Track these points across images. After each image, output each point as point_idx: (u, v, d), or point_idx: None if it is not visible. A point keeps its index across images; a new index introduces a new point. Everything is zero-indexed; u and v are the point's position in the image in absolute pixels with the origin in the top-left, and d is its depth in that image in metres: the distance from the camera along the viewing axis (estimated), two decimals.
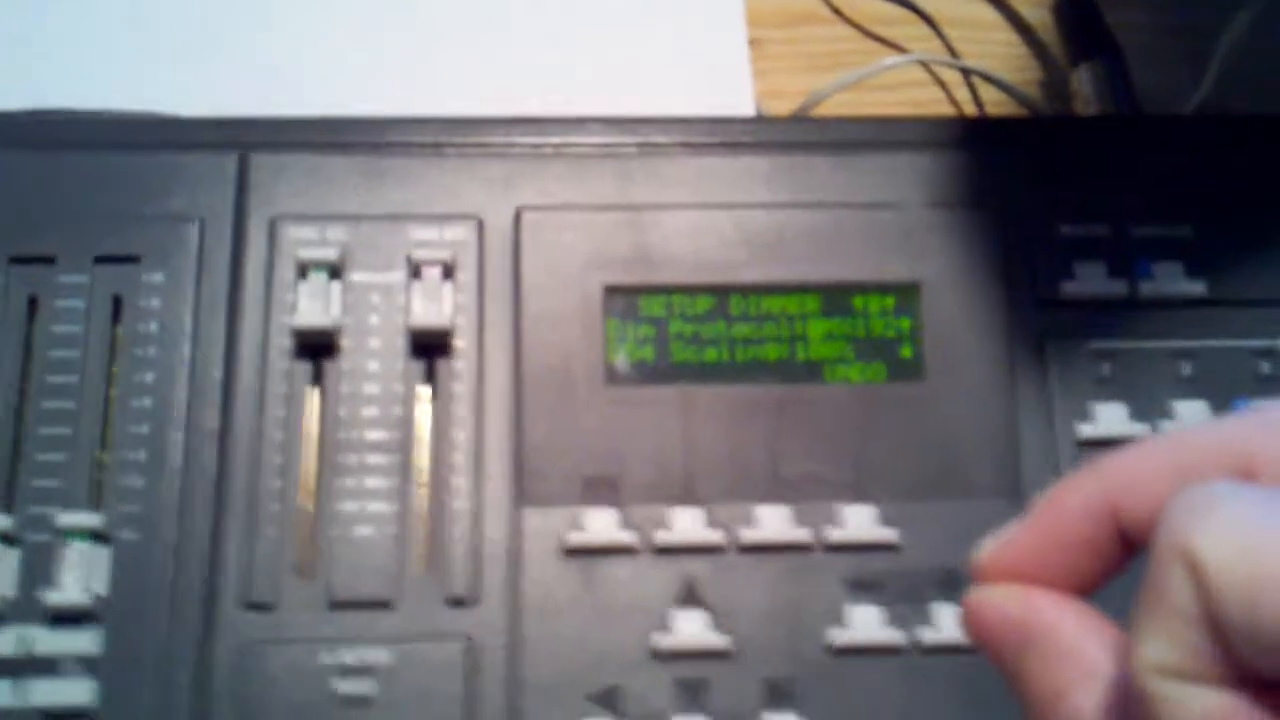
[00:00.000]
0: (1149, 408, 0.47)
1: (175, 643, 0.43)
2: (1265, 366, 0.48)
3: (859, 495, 0.46)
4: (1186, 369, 0.48)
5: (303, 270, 0.47)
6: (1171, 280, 0.49)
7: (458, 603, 0.44)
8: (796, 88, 0.61)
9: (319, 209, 0.49)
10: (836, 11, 0.65)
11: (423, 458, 0.46)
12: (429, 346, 0.47)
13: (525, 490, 0.45)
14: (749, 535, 0.45)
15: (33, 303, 0.47)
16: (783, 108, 0.61)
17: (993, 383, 0.47)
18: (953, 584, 0.45)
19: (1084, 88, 0.60)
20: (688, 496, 0.46)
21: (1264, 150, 0.51)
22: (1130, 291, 0.49)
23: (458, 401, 0.46)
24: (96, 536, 0.43)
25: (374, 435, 0.46)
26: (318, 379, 0.47)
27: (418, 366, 0.47)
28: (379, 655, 0.43)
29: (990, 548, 0.29)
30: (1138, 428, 0.47)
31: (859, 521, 0.46)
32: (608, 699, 0.43)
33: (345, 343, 0.47)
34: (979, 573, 0.29)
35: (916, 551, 0.45)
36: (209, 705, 0.42)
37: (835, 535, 0.45)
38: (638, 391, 0.47)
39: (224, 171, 0.49)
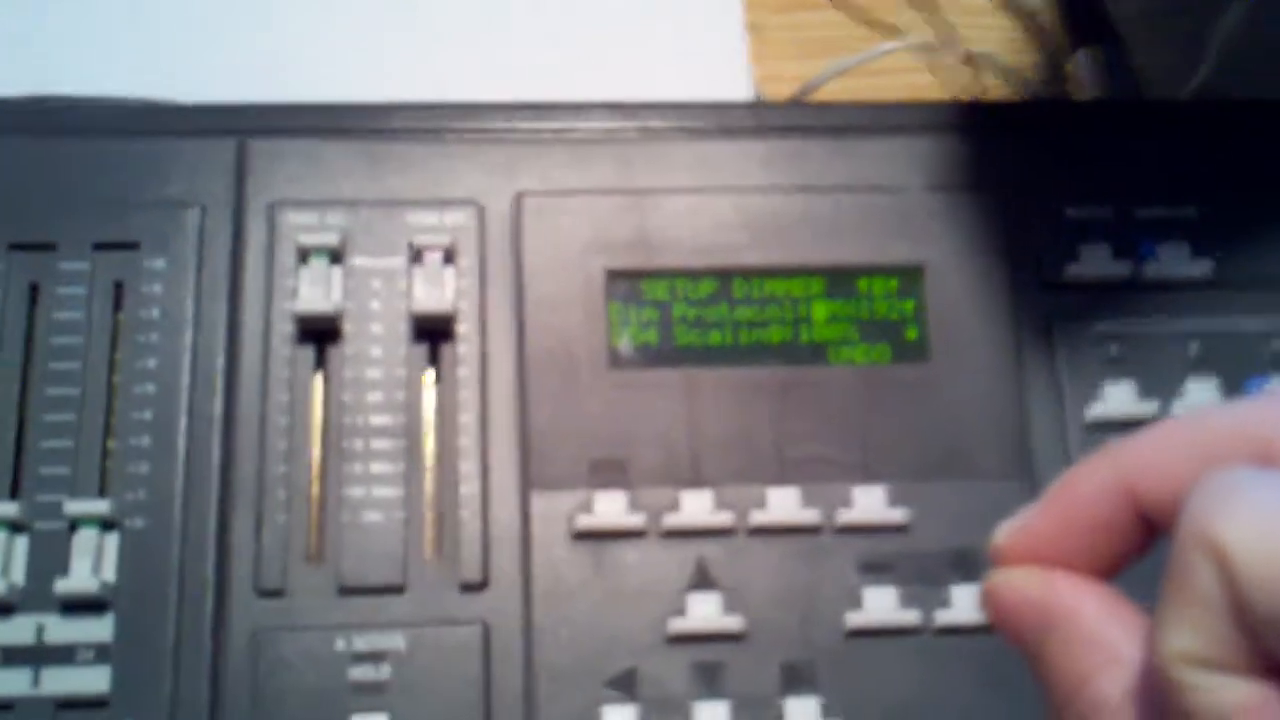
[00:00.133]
0: (1159, 387, 0.47)
1: (187, 629, 0.43)
2: (1277, 345, 0.48)
3: (866, 477, 0.46)
4: (1195, 349, 0.48)
5: (303, 256, 0.47)
6: (1176, 261, 0.49)
7: (469, 587, 0.44)
8: (795, 73, 0.61)
9: (319, 194, 0.48)
10: None
11: (429, 442, 0.46)
12: (432, 331, 0.47)
13: (532, 474, 0.45)
14: (759, 517, 0.45)
15: (34, 289, 0.46)
16: (781, 93, 0.61)
17: (998, 365, 0.47)
18: (964, 565, 0.45)
19: (1082, 73, 0.60)
20: (695, 479, 0.46)
21: (1263, 134, 0.52)
22: (1135, 273, 0.49)
23: (462, 386, 0.46)
24: (105, 523, 0.43)
25: (379, 420, 0.46)
26: (321, 364, 0.46)
27: (421, 351, 0.47)
28: (393, 641, 0.43)
29: (1009, 530, 0.29)
30: (1148, 406, 0.47)
31: (868, 503, 0.46)
32: (625, 683, 0.43)
33: (347, 328, 0.47)
34: (998, 556, 0.29)
35: (927, 532, 0.45)
36: (222, 692, 0.42)
37: (845, 517, 0.45)
38: (642, 375, 0.47)
39: (223, 157, 0.49)
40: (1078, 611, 0.27)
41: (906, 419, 0.47)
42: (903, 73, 0.63)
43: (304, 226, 0.48)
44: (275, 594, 0.43)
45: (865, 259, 0.48)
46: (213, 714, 0.42)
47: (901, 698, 0.44)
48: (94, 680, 0.42)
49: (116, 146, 0.48)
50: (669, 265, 0.48)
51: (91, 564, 0.43)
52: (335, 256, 0.47)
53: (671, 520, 0.45)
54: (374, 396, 0.46)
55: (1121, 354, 0.48)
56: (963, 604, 0.44)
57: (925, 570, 0.45)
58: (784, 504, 0.45)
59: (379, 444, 0.45)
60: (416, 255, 0.47)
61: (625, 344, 0.47)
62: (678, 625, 0.44)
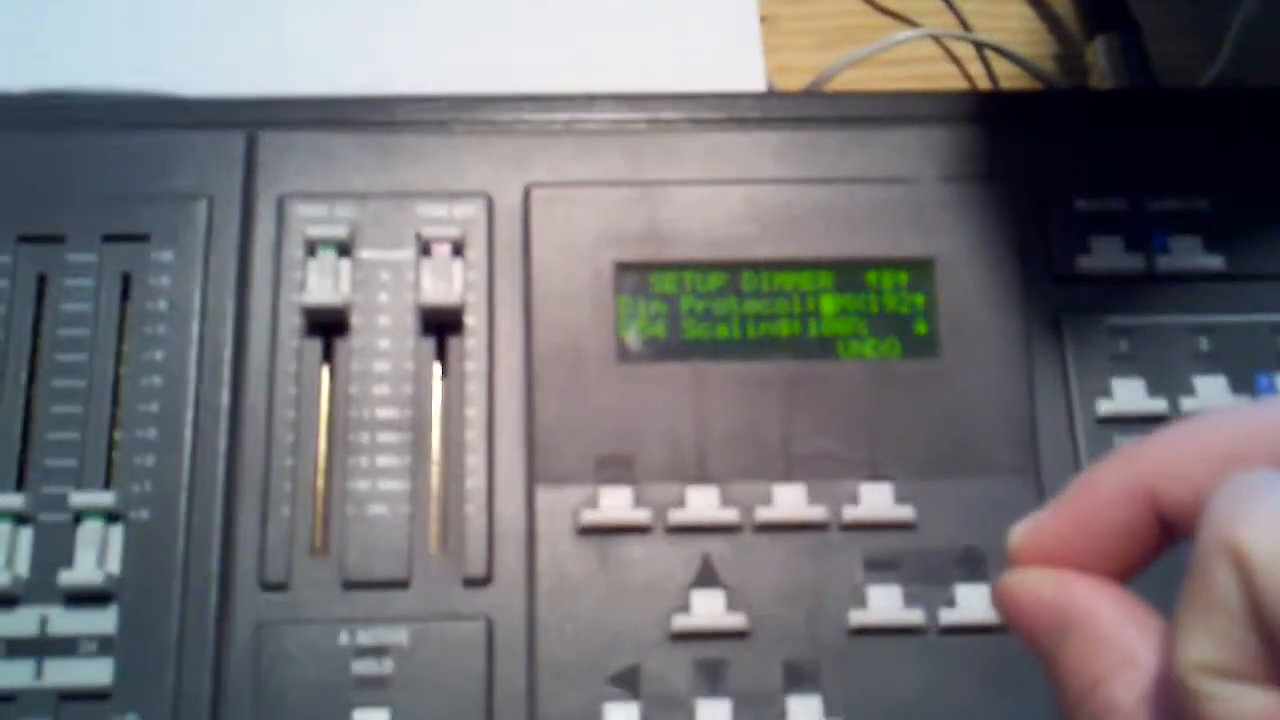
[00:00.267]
0: (1168, 383, 0.47)
1: (191, 622, 0.43)
2: None
3: (873, 473, 0.46)
4: (1205, 344, 0.48)
5: (311, 248, 0.47)
6: (1189, 254, 0.48)
7: (473, 582, 0.44)
8: (808, 63, 0.61)
9: (328, 187, 0.48)
10: None
11: (435, 436, 0.46)
12: (440, 324, 0.47)
13: (539, 469, 0.45)
14: (765, 514, 0.45)
15: (42, 282, 0.46)
16: (794, 83, 0.61)
17: (1008, 359, 0.47)
18: (971, 563, 0.45)
19: (1100, 61, 0.59)
20: (701, 475, 0.45)
21: (1278, 124, 0.51)
22: (1147, 266, 0.48)
23: (469, 379, 0.46)
24: (110, 516, 0.43)
25: (386, 413, 0.46)
26: (328, 357, 0.46)
27: (428, 344, 0.47)
28: (396, 635, 0.43)
29: (1025, 530, 0.28)
30: (1157, 403, 0.46)
31: (875, 500, 0.45)
32: (627, 680, 0.43)
33: (355, 320, 0.47)
34: (1013, 556, 0.28)
35: (934, 530, 0.45)
36: (225, 685, 0.42)
37: (851, 514, 0.45)
38: (650, 369, 0.47)
39: (232, 150, 0.49)
40: (1093, 613, 0.27)
41: (915, 415, 0.46)
42: (917, 62, 0.63)
43: (313, 219, 0.48)
44: (279, 587, 0.44)
45: (877, 251, 0.48)
46: (215, 707, 0.42)
47: (905, 697, 0.43)
48: (97, 672, 0.42)
49: (125, 140, 0.48)
50: (678, 258, 0.48)
51: (96, 556, 0.43)
52: (344, 249, 0.47)
53: (677, 516, 0.45)
54: (381, 389, 0.46)
55: (1131, 349, 0.47)
56: (968, 604, 0.44)
57: (931, 569, 0.45)
58: (790, 501, 0.45)
59: (385, 437, 0.45)
60: (425, 248, 0.47)
61: (633, 337, 0.47)
62: (681, 622, 0.44)
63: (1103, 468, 0.28)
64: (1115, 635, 0.26)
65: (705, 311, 0.47)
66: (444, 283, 0.47)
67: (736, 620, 0.44)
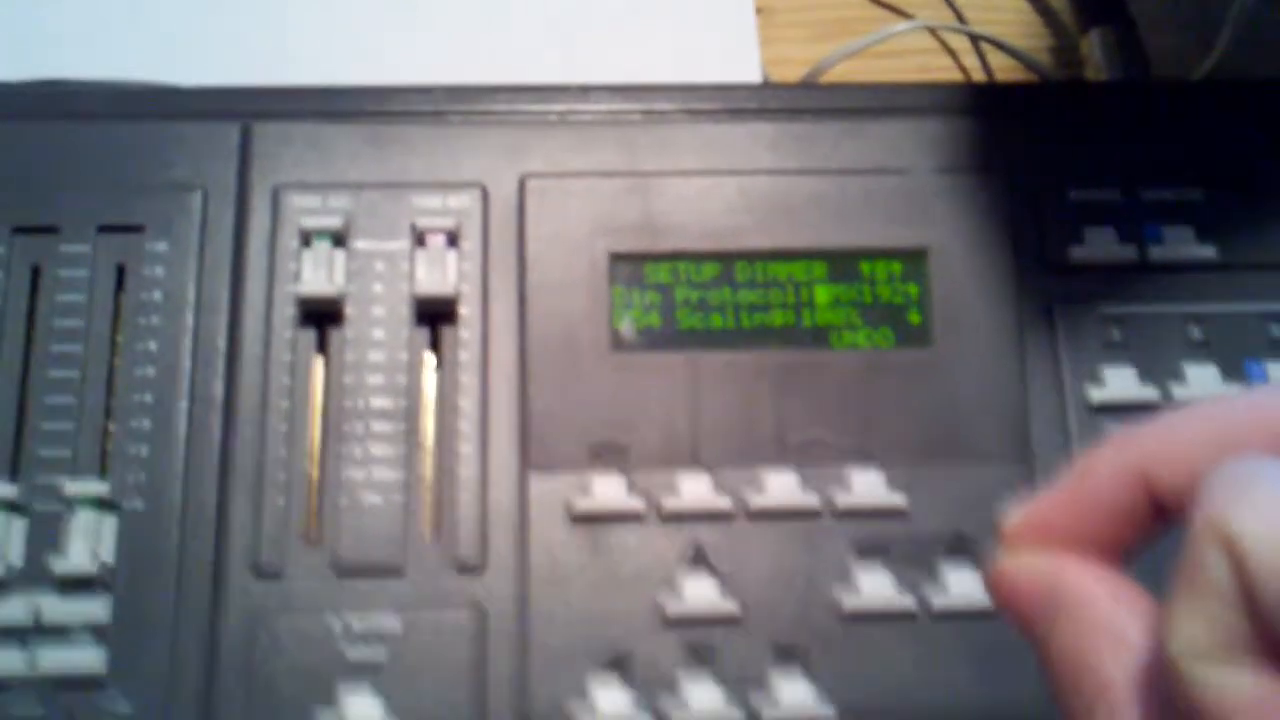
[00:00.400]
0: (1159, 371, 0.47)
1: (184, 610, 0.43)
2: (1276, 330, 0.48)
3: (866, 461, 0.46)
4: (1197, 333, 0.48)
5: (306, 239, 0.47)
6: (1182, 244, 0.49)
7: (465, 569, 0.44)
8: (803, 55, 0.61)
9: (322, 177, 0.48)
10: None
11: (428, 425, 0.46)
12: (434, 314, 0.47)
13: (532, 456, 0.45)
14: (757, 501, 0.45)
15: (36, 272, 0.46)
16: (790, 75, 0.61)
17: (1001, 348, 0.47)
18: (962, 548, 0.45)
19: (1094, 54, 0.59)
20: (694, 462, 0.46)
21: (1271, 116, 0.51)
22: (1140, 256, 0.48)
23: (463, 369, 0.46)
24: (103, 505, 0.44)
25: (379, 403, 0.46)
26: (322, 347, 0.47)
27: (422, 334, 0.47)
28: (388, 622, 0.43)
29: (1018, 512, 0.28)
30: (1148, 391, 0.47)
31: (867, 487, 0.45)
32: (618, 665, 0.43)
33: (349, 311, 0.47)
34: (1006, 537, 0.28)
35: (925, 516, 0.45)
36: (218, 672, 0.42)
37: (843, 500, 0.45)
38: (644, 358, 0.47)
39: (227, 141, 0.49)
40: (1086, 594, 0.27)
41: (908, 404, 0.46)
42: (912, 55, 0.63)
43: (307, 209, 0.48)
44: (273, 575, 0.44)
45: (871, 242, 0.48)
46: (208, 694, 0.42)
47: (895, 682, 0.43)
48: (90, 660, 0.42)
49: (120, 130, 0.48)
50: (673, 248, 0.48)
51: (89, 545, 0.43)
52: (338, 239, 0.47)
53: (670, 503, 0.45)
54: (374, 379, 0.46)
55: (1123, 337, 0.47)
56: (959, 589, 0.44)
57: (922, 554, 0.45)
58: (782, 487, 0.45)
59: (379, 426, 0.45)
60: (420, 238, 0.47)
61: (627, 327, 0.47)
62: (674, 608, 0.44)
63: (1100, 451, 0.28)
64: (1108, 617, 0.26)
65: (700, 301, 0.47)
66: (438, 273, 0.47)
67: (728, 606, 0.44)
